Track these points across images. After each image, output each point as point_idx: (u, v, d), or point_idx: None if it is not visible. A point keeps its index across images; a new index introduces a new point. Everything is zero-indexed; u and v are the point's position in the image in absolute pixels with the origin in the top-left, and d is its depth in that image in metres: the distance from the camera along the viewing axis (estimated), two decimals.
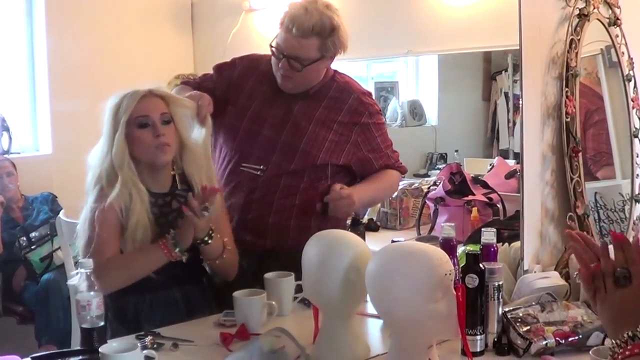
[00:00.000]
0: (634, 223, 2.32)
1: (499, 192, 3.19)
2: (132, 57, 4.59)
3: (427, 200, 3.32)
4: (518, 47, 1.93)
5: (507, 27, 2.10)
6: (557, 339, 1.63)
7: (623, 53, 2.32)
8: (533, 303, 1.75)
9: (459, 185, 3.24)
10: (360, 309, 1.82)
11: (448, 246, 1.72)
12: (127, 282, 1.90)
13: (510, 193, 3.17)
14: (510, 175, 3.35)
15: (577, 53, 2.07)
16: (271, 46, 2.19)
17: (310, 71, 2.18)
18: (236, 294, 1.87)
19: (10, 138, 4.24)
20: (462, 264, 1.69)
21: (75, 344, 2.42)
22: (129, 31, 4.67)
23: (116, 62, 4.47)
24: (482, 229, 1.92)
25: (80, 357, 1.57)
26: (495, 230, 1.82)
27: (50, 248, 3.85)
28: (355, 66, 4.24)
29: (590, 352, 1.48)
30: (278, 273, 2.00)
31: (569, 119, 2.03)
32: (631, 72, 2.35)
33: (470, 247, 1.81)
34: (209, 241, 1.96)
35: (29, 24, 4.45)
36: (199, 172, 2.04)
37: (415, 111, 4.31)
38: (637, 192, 2.34)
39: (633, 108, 2.35)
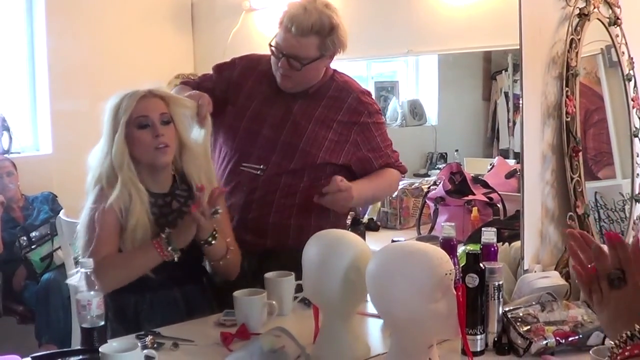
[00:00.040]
0: (634, 223, 2.32)
1: (499, 192, 3.19)
2: (132, 56, 4.59)
3: (427, 200, 3.32)
4: (518, 47, 1.93)
5: (507, 27, 2.10)
6: (557, 338, 1.63)
7: (623, 53, 2.32)
8: (533, 303, 1.75)
9: (459, 185, 3.24)
10: (361, 309, 1.82)
11: (448, 246, 1.72)
12: (125, 281, 1.90)
13: (511, 193, 3.18)
14: (511, 174, 3.36)
15: (577, 53, 2.07)
16: (270, 45, 2.19)
17: (310, 70, 2.18)
18: (236, 293, 1.87)
19: (10, 138, 4.24)
20: (463, 264, 1.69)
21: (76, 343, 2.43)
22: (129, 31, 4.67)
23: (116, 62, 4.47)
24: (483, 229, 1.92)
25: (81, 357, 1.57)
26: (495, 229, 1.82)
27: (51, 248, 3.86)
28: (355, 66, 4.24)
29: (590, 352, 1.48)
30: (278, 273, 2.00)
31: (569, 119, 2.03)
32: (631, 72, 2.35)
33: (470, 247, 1.81)
34: (213, 242, 1.97)
35: (29, 23, 4.45)
36: (199, 172, 2.04)
37: (416, 111, 4.31)
38: (637, 192, 2.34)
39: (633, 108, 2.35)
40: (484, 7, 3.51)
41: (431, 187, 3.37)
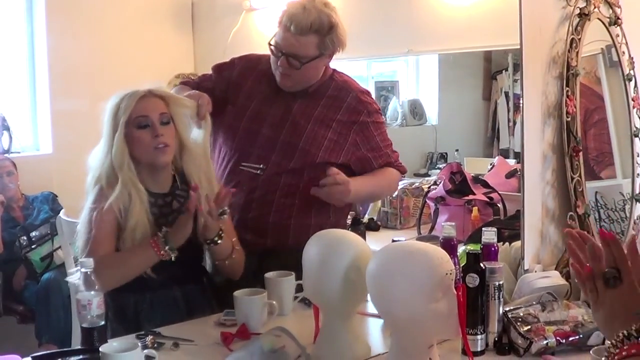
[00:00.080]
0: (634, 222, 2.32)
1: (500, 192, 3.19)
2: (132, 56, 4.59)
3: (427, 200, 3.32)
4: (518, 47, 1.93)
5: (508, 27, 2.10)
6: (557, 338, 1.63)
7: (624, 52, 2.32)
8: (534, 302, 1.75)
9: (460, 185, 3.24)
10: (361, 309, 1.82)
11: (449, 245, 1.72)
12: (122, 281, 1.90)
13: (511, 192, 3.18)
14: (511, 174, 3.36)
15: (577, 52, 2.07)
16: (270, 44, 2.19)
17: (309, 69, 2.18)
18: (237, 293, 1.87)
19: (10, 137, 4.24)
20: (463, 264, 1.69)
21: (76, 343, 2.43)
22: (129, 30, 4.67)
23: (116, 62, 4.47)
24: (483, 229, 1.92)
25: (81, 357, 1.57)
26: (495, 229, 1.82)
27: (51, 247, 3.86)
28: (355, 65, 4.24)
29: (590, 352, 1.48)
30: (279, 272, 1.99)
31: (569, 119, 2.03)
32: (632, 72, 2.35)
33: (470, 247, 1.80)
34: (219, 241, 1.98)
35: (30, 23, 4.45)
36: (198, 172, 2.04)
37: (416, 110, 4.31)
38: (637, 192, 2.34)
39: (633, 107, 2.35)
40: (484, 6, 3.51)
41: (431, 187, 3.37)
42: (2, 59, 4.36)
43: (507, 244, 2.04)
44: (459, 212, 3.14)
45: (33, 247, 3.84)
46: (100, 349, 1.47)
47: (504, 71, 3.99)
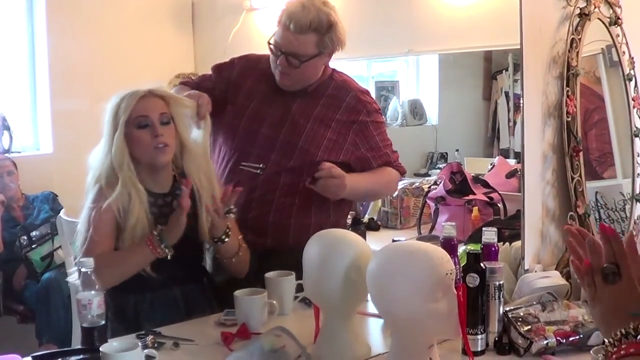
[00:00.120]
0: (634, 222, 2.32)
1: (500, 192, 3.19)
2: (132, 56, 4.59)
3: (427, 200, 3.32)
4: (519, 47, 1.93)
5: (508, 27, 2.10)
6: (558, 338, 1.63)
7: (624, 52, 2.32)
8: (534, 302, 1.74)
9: (460, 185, 3.24)
10: (361, 309, 1.82)
11: (449, 245, 1.72)
12: (119, 279, 1.90)
13: (511, 192, 3.18)
14: (511, 174, 3.36)
15: (578, 52, 2.07)
16: (269, 43, 2.19)
17: (308, 68, 2.18)
18: (237, 293, 1.87)
19: (11, 137, 4.24)
20: (463, 264, 1.69)
21: (76, 343, 2.43)
22: (129, 30, 4.68)
23: (117, 62, 4.47)
24: (483, 229, 1.92)
25: (81, 356, 1.57)
26: (496, 229, 1.82)
27: (51, 247, 3.86)
28: (355, 65, 4.24)
29: (591, 352, 1.48)
30: (279, 272, 2.00)
31: (569, 119, 2.03)
32: (632, 72, 2.35)
33: (471, 247, 1.80)
34: (226, 240, 1.99)
35: (30, 23, 4.45)
36: (199, 171, 2.04)
37: (416, 110, 4.31)
38: (637, 192, 2.34)
39: (634, 107, 2.35)
40: (485, 6, 3.51)
41: (432, 187, 3.37)
42: (2, 58, 4.36)
43: (507, 243, 2.04)
44: (459, 212, 3.14)
45: (33, 246, 3.84)
46: (100, 349, 1.47)
47: (504, 71, 3.99)
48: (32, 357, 1.57)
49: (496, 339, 1.67)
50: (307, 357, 1.52)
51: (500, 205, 3.13)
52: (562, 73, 2.05)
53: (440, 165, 3.95)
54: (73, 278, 1.91)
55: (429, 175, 3.98)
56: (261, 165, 2.22)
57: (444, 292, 1.38)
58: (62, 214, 3.09)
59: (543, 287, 1.80)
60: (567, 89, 2.04)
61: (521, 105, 2.00)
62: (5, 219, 3.79)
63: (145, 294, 1.98)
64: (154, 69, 4.56)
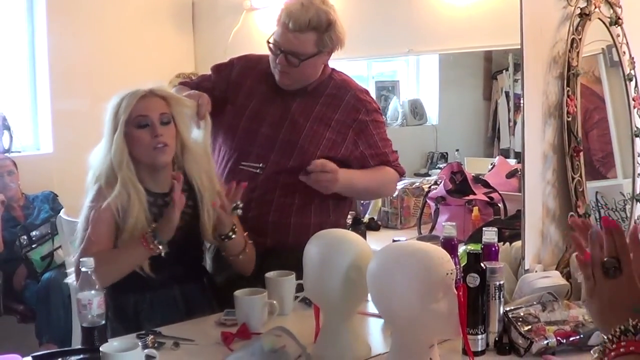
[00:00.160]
0: (634, 222, 2.32)
1: (500, 192, 3.19)
2: (133, 56, 4.59)
3: (428, 200, 3.32)
4: (519, 47, 1.93)
5: (508, 27, 2.10)
6: (558, 338, 1.63)
7: (624, 52, 2.32)
8: (534, 302, 1.74)
9: (460, 185, 3.24)
10: (362, 308, 1.82)
11: (449, 245, 1.72)
12: (115, 277, 1.89)
13: (511, 192, 3.18)
14: (511, 174, 3.36)
15: (578, 52, 2.07)
16: (269, 42, 2.19)
17: (308, 66, 2.18)
18: (237, 293, 1.87)
19: (11, 137, 4.24)
20: (463, 264, 1.69)
21: (76, 342, 2.43)
22: (129, 30, 4.68)
23: (117, 61, 4.48)
24: (483, 228, 1.92)
25: (81, 356, 1.57)
26: (496, 229, 1.82)
27: (51, 247, 3.86)
28: (355, 65, 4.25)
29: (591, 352, 1.48)
30: (279, 272, 1.99)
31: (570, 118, 2.03)
32: (632, 72, 2.35)
33: (471, 247, 1.80)
34: (233, 236, 2.00)
35: (30, 23, 4.45)
36: (200, 171, 2.04)
37: (416, 110, 4.31)
38: (638, 192, 2.34)
39: (634, 107, 2.35)
40: (485, 6, 3.51)
41: (432, 187, 3.37)
42: (3, 58, 4.36)
43: (507, 243, 2.04)
44: (460, 212, 3.14)
45: (33, 246, 3.84)
46: (100, 349, 1.47)
47: (504, 71, 4.00)
48: (32, 357, 1.57)
49: (496, 339, 1.67)
50: (308, 357, 1.52)
51: (500, 205, 3.13)
52: (562, 73, 2.05)
53: (441, 165, 3.95)
54: (71, 279, 1.90)
55: (429, 175, 3.98)
56: (261, 165, 2.22)
57: (444, 292, 1.38)
58: (62, 213, 3.09)
59: (543, 287, 1.80)
60: (568, 89, 2.04)
61: (521, 105, 2.00)
62: (5, 219, 3.79)
63: (145, 293, 1.98)
64: (154, 69, 4.56)
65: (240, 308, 1.85)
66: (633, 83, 2.36)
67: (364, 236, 2.27)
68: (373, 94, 2.53)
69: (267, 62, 2.24)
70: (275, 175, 2.21)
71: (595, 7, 2.15)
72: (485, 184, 3.27)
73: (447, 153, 4.19)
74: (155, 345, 1.69)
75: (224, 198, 1.98)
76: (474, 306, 1.60)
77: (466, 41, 3.63)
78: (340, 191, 2.20)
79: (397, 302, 1.40)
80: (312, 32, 2.12)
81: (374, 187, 2.41)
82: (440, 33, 3.72)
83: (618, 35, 2.29)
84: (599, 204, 2.22)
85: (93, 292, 1.62)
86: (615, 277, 1.06)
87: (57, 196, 4.10)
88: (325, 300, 1.63)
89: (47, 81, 4.40)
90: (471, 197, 3.18)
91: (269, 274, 1.99)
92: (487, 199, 3.16)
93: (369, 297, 1.52)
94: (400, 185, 3.42)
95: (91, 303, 1.61)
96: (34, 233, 3.87)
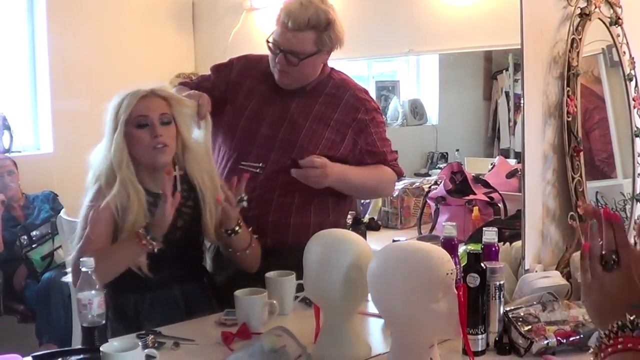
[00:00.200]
0: (635, 222, 2.32)
1: (500, 192, 3.19)
2: (133, 56, 4.59)
3: (428, 200, 3.32)
4: (519, 47, 1.93)
5: (508, 27, 2.10)
6: (558, 338, 1.63)
7: (624, 52, 2.32)
8: (534, 302, 1.74)
9: (460, 185, 3.24)
10: (362, 308, 1.82)
11: (449, 245, 1.72)
12: (110, 275, 1.87)
13: (512, 192, 3.18)
14: (512, 174, 3.36)
15: (578, 52, 2.07)
16: (268, 42, 2.19)
17: (307, 65, 2.18)
18: (237, 293, 1.87)
19: (11, 137, 4.24)
20: (464, 263, 1.69)
21: (76, 342, 2.43)
22: (130, 30, 4.68)
23: (117, 61, 4.48)
24: (484, 228, 1.92)
25: (82, 356, 1.57)
26: (496, 229, 1.82)
27: (51, 247, 3.86)
28: (356, 65, 4.25)
29: (590, 348, 1.47)
30: (279, 272, 1.99)
31: (570, 118, 2.03)
32: (632, 72, 2.35)
33: (471, 247, 1.80)
34: (239, 230, 2.00)
35: (30, 22, 4.46)
36: (201, 171, 2.04)
37: (416, 110, 4.32)
38: (638, 192, 2.34)
39: (634, 107, 2.35)
40: (485, 6, 3.51)
41: (432, 187, 3.37)
42: (3, 58, 4.36)
43: (507, 243, 2.04)
44: (460, 212, 3.14)
45: (34, 246, 3.84)
46: (100, 349, 1.47)
47: (504, 71, 4.00)
48: (32, 356, 1.57)
49: (496, 339, 1.67)
50: (308, 357, 1.52)
51: (500, 205, 3.13)
52: (562, 73, 2.05)
53: (441, 165, 3.95)
54: (68, 278, 1.90)
55: (430, 175, 3.99)
56: (261, 165, 2.22)
57: (444, 292, 1.38)
58: (62, 213, 3.09)
59: (543, 287, 1.80)
60: (568, 89, 2.04)
61: (522, 105, 2.00)
62: (5, 219, 3.79)
63: (145, 293, 1.98)
64: (154, 68, 4.57)
65: (241, 308, 1.85)
66: (633, 83, 2.36)
67: (364, 236, 2.27)
68: (373, 94, 2.53)
69: (266, 62, 2.24)
70: (275, 175, 2.21)
71: (596, 7, 2.15)
72: (486, 184, 3.27)
73: (447, 153, 4.19)
74: (156, 345, 1.69)
75: (228, 191, 1.97)
76: (474, 306, 1.60)
77: (466, 41, 3.63)
78: (334, 186, 2.19)
79: (397, 302, 1.40)
80: (311, 31, 2.12)
81: (370, 185, 2.37)
82: (440, 33, 3.72)
83: (618, 35, 2.29)
84: (599, 204, 2.22)
85: (93, 292, 1.63)
86: (613, 270, 1.05)
87: (57, 196, 4.10)
88: (326, 300, 1.63)
89: (47, 81, 4.40)
90: (471, 197, 3.18)
91: (269, 274, 1.99)
92: (487, 199, 3.16)
93: (369, 297, 1.52)
94: (400, 185, 3.43)
95: (91, 303, 1.61)
96: (34, 233, 3.87)
